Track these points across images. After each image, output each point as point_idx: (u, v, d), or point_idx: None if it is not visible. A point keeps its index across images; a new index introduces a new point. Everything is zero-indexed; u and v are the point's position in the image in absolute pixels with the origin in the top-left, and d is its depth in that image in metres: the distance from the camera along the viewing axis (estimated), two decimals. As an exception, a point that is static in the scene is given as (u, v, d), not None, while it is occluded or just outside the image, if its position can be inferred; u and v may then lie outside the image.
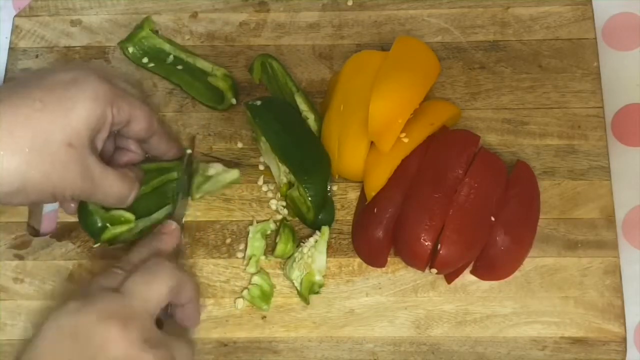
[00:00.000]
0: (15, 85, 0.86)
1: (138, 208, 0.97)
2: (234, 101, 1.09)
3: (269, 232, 1.03)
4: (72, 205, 0.97)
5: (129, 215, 0.96)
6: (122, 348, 0.80)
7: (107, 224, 0.95)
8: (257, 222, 1.04)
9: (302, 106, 1.06)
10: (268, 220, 1.04)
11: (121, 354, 0.80)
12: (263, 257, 1.02)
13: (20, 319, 1.01)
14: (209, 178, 1.04)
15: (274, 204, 1.05)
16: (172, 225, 0.99)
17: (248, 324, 1.00)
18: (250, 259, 1.02)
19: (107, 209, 0.95)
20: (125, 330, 0.80)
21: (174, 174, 1.03)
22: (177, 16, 1.15)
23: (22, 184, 0.83)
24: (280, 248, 1.01)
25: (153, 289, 0.86)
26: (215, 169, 1.04)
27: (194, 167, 1.05)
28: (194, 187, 1.04)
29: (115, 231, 0.95)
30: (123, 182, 0.92)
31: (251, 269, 1.01)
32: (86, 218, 0.95)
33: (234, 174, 1.04)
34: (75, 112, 0.85)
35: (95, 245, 0.97)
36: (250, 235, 1.03)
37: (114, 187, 0.91)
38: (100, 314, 0.81)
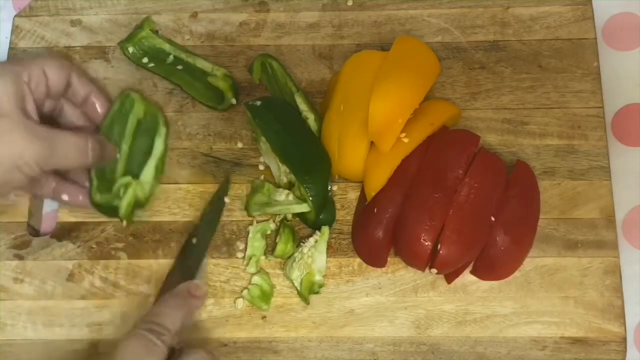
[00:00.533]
0: None
1: (130, 168, 1.03)
2: (234, 101, 1.09)
3: (269, 232, 1.03)
4: (52, 184, 1.00)
5: (125, 179, 1.01)
6: None
7: (116, 201, 0.99)
8: (257, 222, 1.03)
9: (302, 106, 1.06)
10: (268, 220, 1.04)
11: None
12: (263, 257, 1.02)
13: (20, 319, 1.01)
14: (273, 201, 1.03)
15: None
16: (202, 288, 0.97)
17: (248, 324, 1.00)
18: (250, 259, 1.02)
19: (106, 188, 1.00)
20: None
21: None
22: (177, 16, 1.14)
23: None
24: (280, 248, 1.01)
25: None
26: (283, 195, 1.03)
27: (255, 184, 1.05)
28: (251, 202, 1.03)
29: (126, 201, 0.99)
30: (76, 136, 0.94)
31: (251, 269, 1.01)
32: (100, 208, 1.00)
33: (303, 207, 1.01)
34: None
35: (126, 224, 1.02)
36: (250, 235, 1.03)
37: (68, 142, 0.93)
38: None
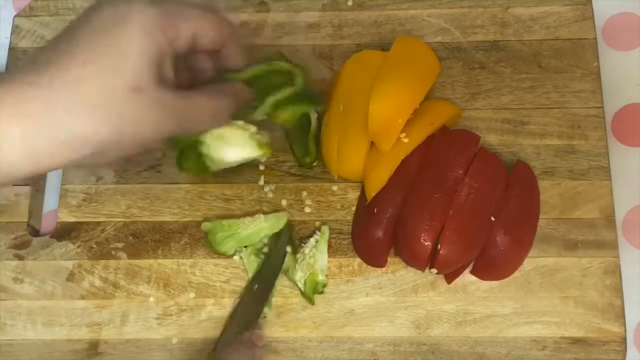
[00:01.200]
0: (57, 43, 0.75)
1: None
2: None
3: (264, 249, 1.03)
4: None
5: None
6: None
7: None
8: (245, 247, 1.03)
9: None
10: (258, 241, 1.03)
11: None
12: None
13: (20, 319, 1.01)
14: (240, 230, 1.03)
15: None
16: (263, 338, 0.98)
17: (248, 324, 1.00)
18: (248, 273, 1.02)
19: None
20: None
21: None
22: (178, 16, 1.14)
23: (98, 146, 0.74)
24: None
25: None
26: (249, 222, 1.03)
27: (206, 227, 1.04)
28: (220, 244, 1.02)
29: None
30: (212, 100, 0.83)
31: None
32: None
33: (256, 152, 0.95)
34: (129, 53, 0.74)
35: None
36: (244, 260, 1.02)
37: (205, 109, 0.82)
38: None
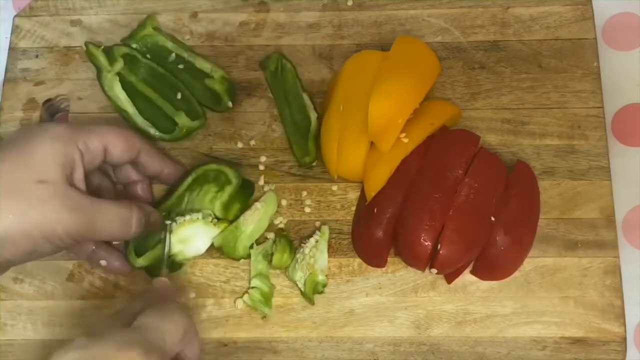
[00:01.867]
0: None
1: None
2: (230, 104, 1.09)
3: (271, 252, 1.03)
4: (91, 247, 0.98)
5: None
6: None
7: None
8: (257, 243, 1.03)
9: (309, 103, 1.08)
10: (267, 240, 1.03)
11: None
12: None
13: (20, 319, 1.01)
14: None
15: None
16: (162, 280, 0.95)
17: (248, 324, 1.00)
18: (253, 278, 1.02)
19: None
20: (147, 357, 0.75)
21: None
22: (177, 16, 1.15)
23: (4, 232, 0.81)
24: (277, 258, 1.00)
25: (169, 325, 0.82)
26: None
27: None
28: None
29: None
30: (120, 207, 0.90)
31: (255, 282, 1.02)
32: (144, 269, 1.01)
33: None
34: (38, 153, 0.84)
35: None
36: (252, 257, 1.02)
37: (111, 214, 0.89)
38: (119, 344, 0.75)
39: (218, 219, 1.03)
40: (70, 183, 0.86)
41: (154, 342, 0.79)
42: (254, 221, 1.02)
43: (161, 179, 1.02)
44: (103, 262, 0.98)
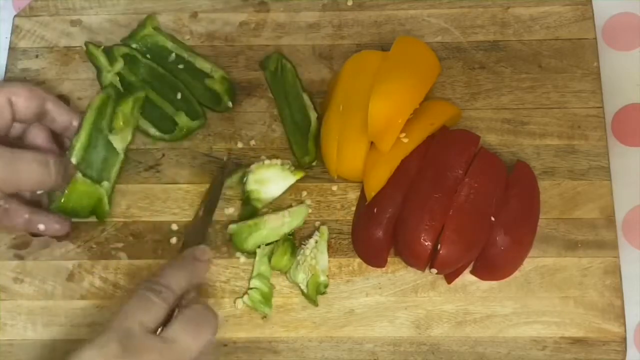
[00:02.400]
0: None
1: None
2: (230, 104, 1.09)
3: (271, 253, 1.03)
4: (24, 216, 0.98)
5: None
6: None
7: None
8: (266, 244, 1.03)
9: (309, 103, 1.08)
10: (277, 241, 1.03)
11: None
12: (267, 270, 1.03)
13: (20, 319, 1.01)
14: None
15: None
16: (207, 253, 0.96)
17: (248, 324, 1.00)
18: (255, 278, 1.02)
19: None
20: None
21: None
22: (177, 16, 1.15)
23: None
24: (276, 259, 1.00)
25: (197, 342, 0.84)
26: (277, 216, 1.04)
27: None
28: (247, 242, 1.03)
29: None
30: (38, 154, 0.93)
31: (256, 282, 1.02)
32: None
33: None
34: None
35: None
36: (257, 258, 1.02)
37: (30, 160, 0.92)
38: None
39: (295, 167, 1.05)
40: None
41: (179, 357, 0.83)
42: (275, 226, 1.02)
43: (72, 132, 1.03)
44: (41, 226, 0.99)
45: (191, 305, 0.88)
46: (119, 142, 1.04)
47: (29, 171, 0.91)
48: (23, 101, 0.95)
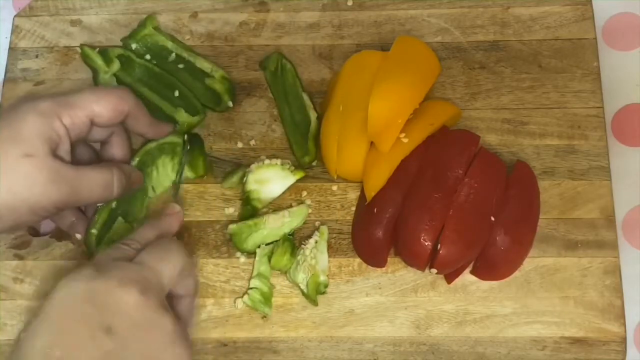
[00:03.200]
0: None
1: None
2: (230, 104, 1.09)
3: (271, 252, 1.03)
4: (71, 219, 1.01)
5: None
6: (141, 311, 0.81)
7: None
8: (266, 244, 1.03)
9: (308, 102, 1.08)
10: (277, 241, 1.03)
11: (141, 316, 0.81)
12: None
13: (20, 319, 1.00)
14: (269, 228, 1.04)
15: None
16: (176, 207, 1.00)
17: (248, 324, 1.00)
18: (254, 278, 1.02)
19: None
20: (144, 296, 0.81)
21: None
22: (177, 16, 1.15)
23: None
24: (275, 259, 1.00)
25: (166, 264, 0.87)
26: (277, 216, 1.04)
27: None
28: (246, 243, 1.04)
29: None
30: (101, 172, 0.93)
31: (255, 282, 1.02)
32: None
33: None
34: (24, 128, 0.86)
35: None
36: (257, 258, 1.02)
37: (94, 180, 0.91)
38: (119, 279, 0.81)
39: (295, 167, 1.05)
40: (55, 155, 0.88)
41: (152, 279, 0.85)
42: (275, 226, 1.02)
43: (147, 137, 1.04)
44: (78, 236, 1.02)
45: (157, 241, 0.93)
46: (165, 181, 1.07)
47: (91, 190, 0.91)
48: (105, 121, 0.93)
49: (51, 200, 0.87)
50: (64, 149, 0.90)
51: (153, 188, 1.05)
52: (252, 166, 1.03)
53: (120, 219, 1.03)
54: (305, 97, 1.08)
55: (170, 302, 0.89)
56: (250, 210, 1.03)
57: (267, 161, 1.03)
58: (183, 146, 1.05)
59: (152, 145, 1.05)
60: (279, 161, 1.04)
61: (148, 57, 1.11)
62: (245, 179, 1.03)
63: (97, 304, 0.80)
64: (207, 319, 1.00)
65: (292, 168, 1.04)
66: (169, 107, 1.08)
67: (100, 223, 1.01)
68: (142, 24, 1.13)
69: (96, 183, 0.91)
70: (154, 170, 1.05)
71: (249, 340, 1.00)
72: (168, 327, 0.82)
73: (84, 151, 1.00)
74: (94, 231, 1.01)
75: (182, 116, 1.07)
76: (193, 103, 1.09)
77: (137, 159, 1.03)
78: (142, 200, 1.05)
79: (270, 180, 1.03)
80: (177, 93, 1.09)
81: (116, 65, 1.09)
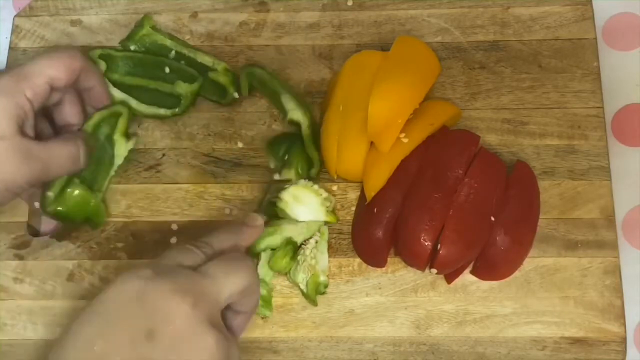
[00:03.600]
0: None
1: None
2: (236, 95, 1.09)
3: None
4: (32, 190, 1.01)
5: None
6: (187, 324, 0.78)
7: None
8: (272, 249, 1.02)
9: (290, 105, 1.06)
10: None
11: (185, 329, 0.78)
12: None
13: (21, 319, 1.00)
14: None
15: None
16: (258, 219, 0.95)
17: (247, 324, 1.00)
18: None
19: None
20: (195, 308, 0.78)
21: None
22: (177, 16, 1.14)
23: None
24: (275, 261, 0.99)
25: (231, 281, 0.83)
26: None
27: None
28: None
29: None
30: (68, 145, 0.95)
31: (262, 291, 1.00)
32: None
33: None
34: None
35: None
36: (261, 262, 1.01)
37: (62, 154, 0.93)
38: (175, 287, 0.79)
39: (333, 209, 1.04)
40: (23, 133, 0.90)
41: (211, 293, 0.81)
42: (289, 235, 1.01)
43: (91, 97, 1.04)
44: (37, 204, 1.02)
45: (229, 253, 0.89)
46: (121, 149, 1.05)
47: (61, 164, 0.94)
48: (63, 83, 0.95)
49: (24, 179, 0.90)
50: (29, 124, 0.92)
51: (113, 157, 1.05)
52: (301, 181, 1.01)
53: (76, 180, 1.01)
54: (288, 99, 1.07)
55: (224, 314, 0.87)
56: (270, 212, 1.02)
57: (315, 187, 1.02)
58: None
59: (104, 112, 1.04)
60: (325, 194, 1.02)
61: (129, 50, 1.12)
62: (287, 186, 1.01)
63: (146, 307, 0.78)
64: (207, 319, 1.00)
65: (331, 209, 1.02)
66: (164, 85, 1.08)
67: (57, 186, 0.99)
68: (139, 24, 1.12)
69: (65, 157, 0.94)
70: (111, 140, 1.05)
71: (249, 340, 1.00)
72: (211, 345, 0.79)
73: (41, 122, 1.00)
74: (50, 194, 0.99)
75: (182, 87, 1.06)
76: (187, 71, 1.09)
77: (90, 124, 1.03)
78: (107, 170, 1.05)
79: (305, 204, 1.00)
80: (167, 70, 1.09)
81: (102, 66, 1.08)
